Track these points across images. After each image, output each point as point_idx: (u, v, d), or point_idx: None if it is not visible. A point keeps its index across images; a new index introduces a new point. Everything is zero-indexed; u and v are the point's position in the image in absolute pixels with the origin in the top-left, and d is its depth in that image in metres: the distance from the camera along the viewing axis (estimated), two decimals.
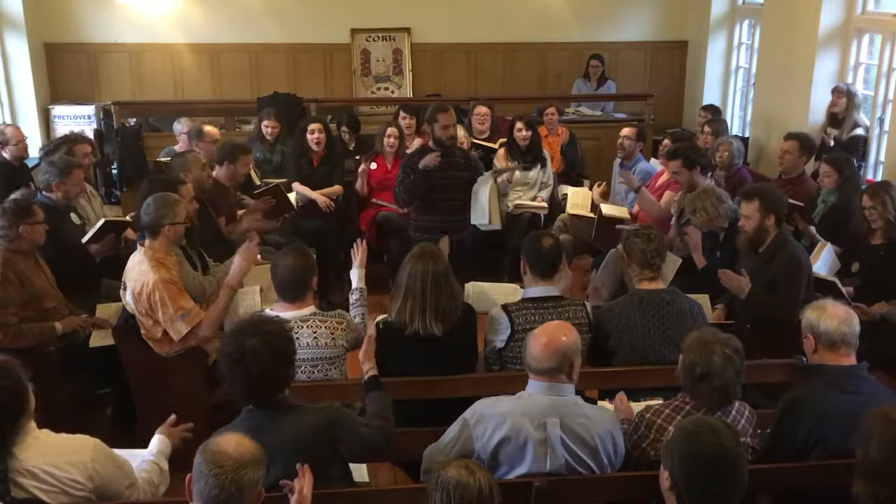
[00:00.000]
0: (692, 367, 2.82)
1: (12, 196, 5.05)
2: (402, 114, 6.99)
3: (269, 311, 3.54)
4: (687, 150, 5.38)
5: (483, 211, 5.79)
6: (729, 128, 8.84)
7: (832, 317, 3.00)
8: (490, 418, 2.79)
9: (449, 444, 2.86)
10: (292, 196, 5.94)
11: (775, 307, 4.10)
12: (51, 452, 2.55)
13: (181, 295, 3.96)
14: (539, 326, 2.94)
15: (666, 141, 6.07)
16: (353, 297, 3.90)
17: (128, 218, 5.20)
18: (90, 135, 7.29)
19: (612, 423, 2.89)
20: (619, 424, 2.93)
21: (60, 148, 5.48)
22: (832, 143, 6.23)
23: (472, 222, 5.84)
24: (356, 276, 3.90)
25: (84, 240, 4.82)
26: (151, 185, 4.67)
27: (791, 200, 5.07)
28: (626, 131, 6.49)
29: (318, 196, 6.17)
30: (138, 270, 3.97)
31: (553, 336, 2.81)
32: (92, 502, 2.60)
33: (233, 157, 5.57)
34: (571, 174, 7.15)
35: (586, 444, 2.79)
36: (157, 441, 2.94)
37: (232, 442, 2.24)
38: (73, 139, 5.80)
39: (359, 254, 3.93)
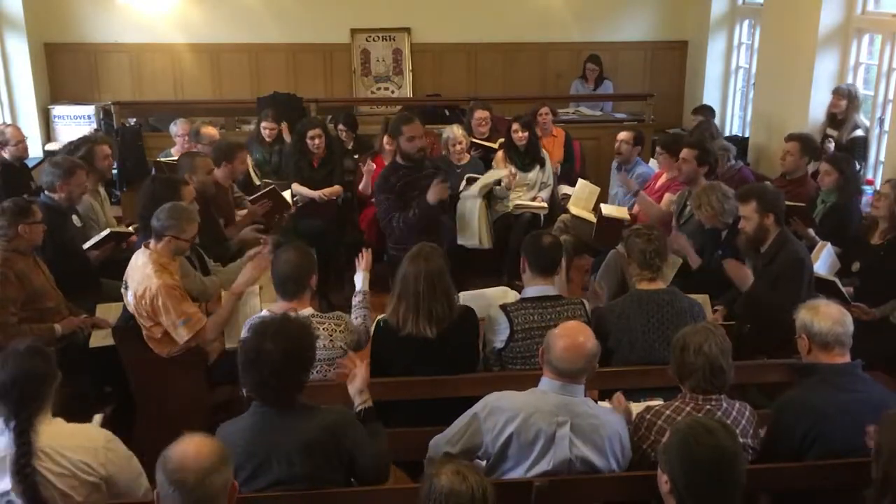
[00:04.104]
0: (674, 345, 2.91)
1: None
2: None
3: (265, 312, 3.54)
4: (707, 147, 5.49)
5: (473, 233, 5.68)
6: (729, 128, 8.87)
7: (826, 317, 3.01)
8: (501, 412, 2.80)
9: (456, 436, 2.86)
10: (287, 194, 5.93)
11: (776, 302, 4.10)
12: (65, 436, 2.64)
13: (183, 300, 3.96)
14: (560, 326, 2.93)
15: (658, 149, 6.07)
16: (356, 300, 3.90)
17: (130, 229, 5.20)
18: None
19: (621, 425, 2.90)
20: (626, 426, 2.94)
21: (81, 147, 5.45)
22: (832, 146, 6.21)
23: (461, 242, 5.71)
24: (360, 278, 3.92)
25: (86, 246, 4.81)
26: (154, 185, 4.68)
27: (792, 203, 5.08)
28: (622, 136, 6.40)
29: (316, 193, 6.17)
30: (142, 273, 3.97)
31: (578, 338, 2.82)
32: (101, 491, 2.65)
33: (230, 156, 5.58)
34: (568, 175, 7.14)
35: (595, 445, 2.80)
36: None
37: (190, 453, 2.15)
38: (95, 139, 5.78)
39: (364, 260, 3.96)
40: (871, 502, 2.48)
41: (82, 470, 2.60)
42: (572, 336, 2.82)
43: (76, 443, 2.63)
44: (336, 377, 3.12)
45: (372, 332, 3.70)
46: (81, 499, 2.61)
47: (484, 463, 2.91)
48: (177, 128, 6.77)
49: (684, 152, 5.42)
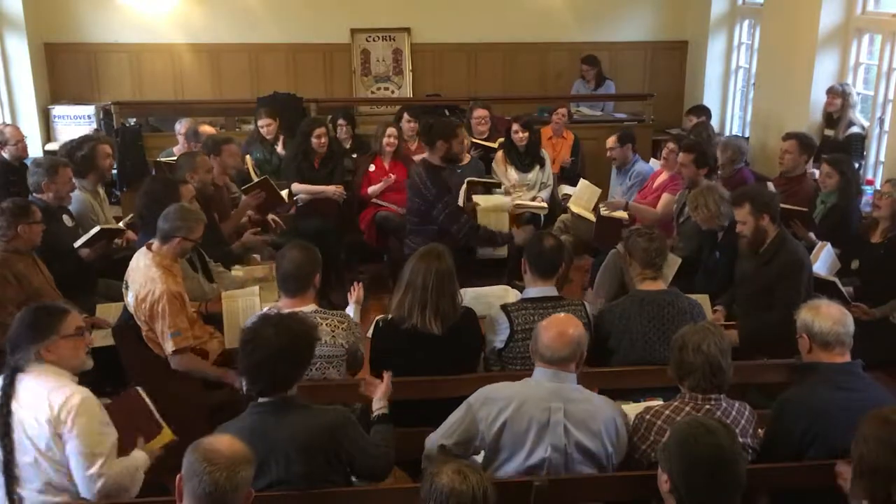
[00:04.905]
0: (672, 344, 2.93)
1: None
2: (406, 116, 6.97)
3: (266, 309, 3.54)
4: (704, 148, 5.46)
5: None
6: (729, 128, 8.87)
7: (826, 317, 3.03)
8: (495, 401, 2.84)
9: (452, 427, 2.89)
10: (284, 194, 5.93)
11: (770, 321, 4.10)
12: (44, 386, 2.78)
13: (180, 311, 3.94)
14: (546, 318, 3.00)
15: (671, 145, 6.05)
16: None
17: (121, 226, 5.20)
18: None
19: (615, 411, 2.94)
20: (621, 413, 2.97)
21: (84, 146, 5.46)
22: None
23: (483, 253, 5.68)
24: (352, 310, 3.92)
25: (76, 244, 4.80)
26: (154, 184, 4.68)
27: (791, 206, 5.08)
28: (608, 142, 6.47)
29: (328, 188, 6.18)
30: (145, 275, 3.94)
31: (564, 327, 2.90)
32: (61, 447, 2.74)
33: (216, 150, 5.57)
34: (571, 175, 7.15)
35: (589, 430, 2.84)
36: (139, 453, 3.02)
37: (224, 441, 2.26)
38: (98, 139, 5.79)
39: (356, 292, 3.97)
40: (850, 485, 2.50)
41: (46, 420, 2.72)
42: (558, 325, 2.91)
43: (47, 394, 2.75)
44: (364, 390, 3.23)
45: (370, 334, 3.70)
46: (42, 446, 2.73)
47: (481, 456, 2.92)
48: (181, 126, 6.76)
49: (681, 157, 5.43)
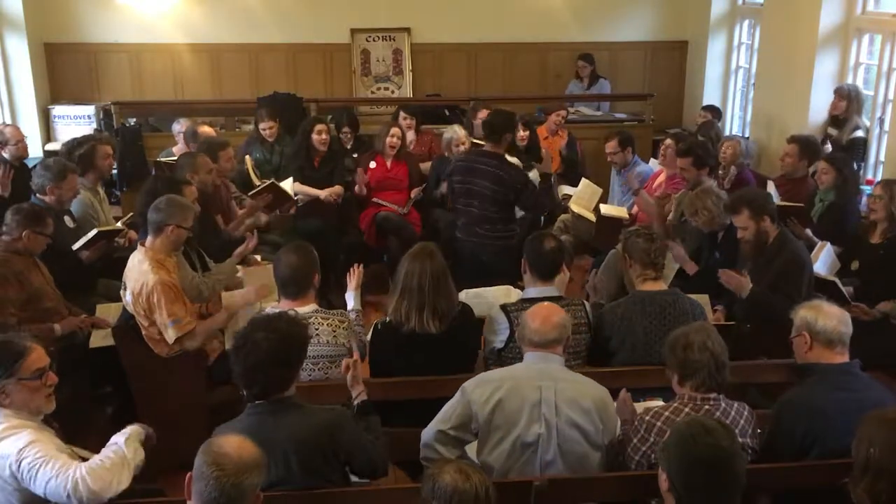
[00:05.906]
0: (673, 346, 2.93)
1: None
2: (402, 114, 6.97)
3: (268, 310, 3.54)
4: (699, 148, 5.45)
5: None
6: (729, 128, 8.88)
7: (829, 316, 3.04)
8: (488, 383, 2.95)
9: (448, 412, 2.95)
10: (287, 184, 5.92)
11: (777, 303, 4.09)
12: None
13: (176, 300, 3.95)
14: (533, 307, 3.14)
15: (668, 141, 6.06)
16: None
17: (119, 226, 5.20)
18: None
19: (604, 391, 3.02)
20: (609, 394, 3.03)
21: (84, 145, 5.45)
22: (830, 147, 6.20)
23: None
24: (352, 297, 3.91)
25: (75, 247, 4.80)
26: (156, 183, 4.68)
27: (787, 203, 5.08)
28: (608, 147, 6.41)
29: (322, 192, 6.17)
30: (138, 270, 3.97)
31: (549, 313, 3.07)
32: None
33: (212, 155, 5.56)
34: (570, 175, 7.16)
35: (580, 407, 2.90)
36: (132, 428, 2.87)
37: (234, 444, 2.24)
38: (99, 139, 5.79)
39: (354, 278, 3.93)
40: (853, 485, 2.50)
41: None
42: (542, 311, 3.06)
43: None
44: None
45: (370, 337, 3.70)
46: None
47: (475, 444, 2.96)
48: (180, 126, 6.76)
49: (679, 162, 5.43)
